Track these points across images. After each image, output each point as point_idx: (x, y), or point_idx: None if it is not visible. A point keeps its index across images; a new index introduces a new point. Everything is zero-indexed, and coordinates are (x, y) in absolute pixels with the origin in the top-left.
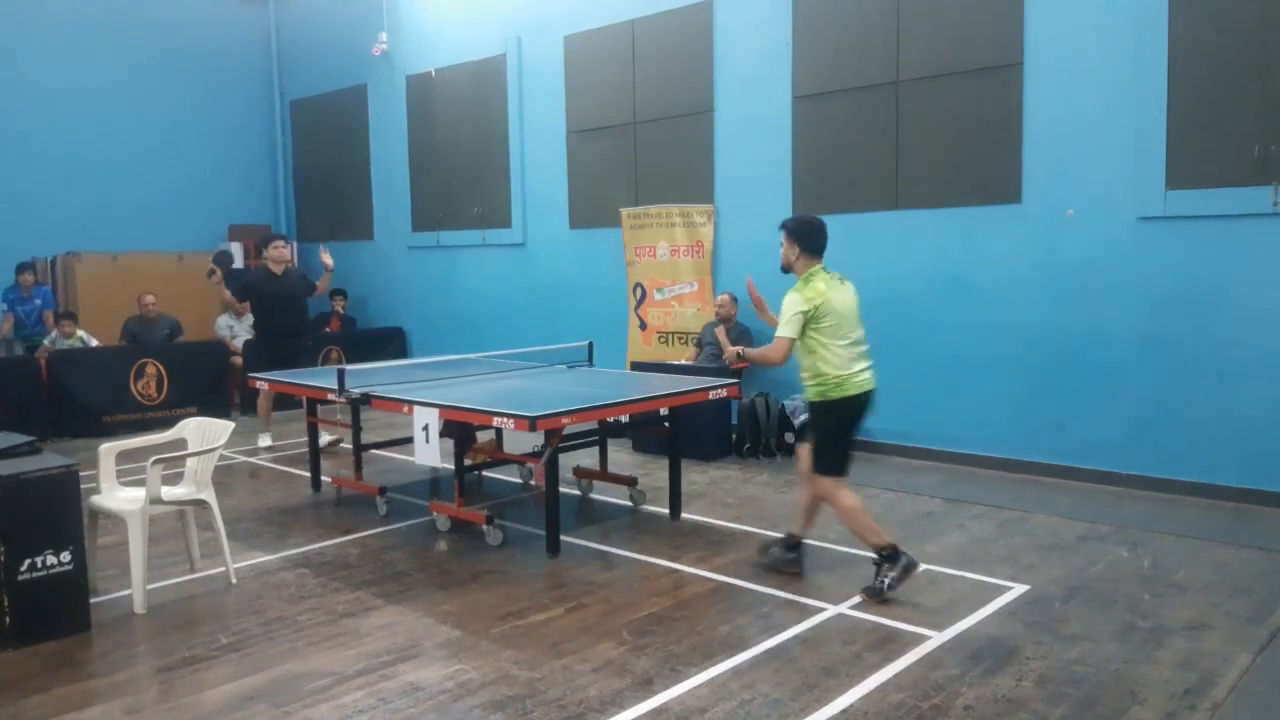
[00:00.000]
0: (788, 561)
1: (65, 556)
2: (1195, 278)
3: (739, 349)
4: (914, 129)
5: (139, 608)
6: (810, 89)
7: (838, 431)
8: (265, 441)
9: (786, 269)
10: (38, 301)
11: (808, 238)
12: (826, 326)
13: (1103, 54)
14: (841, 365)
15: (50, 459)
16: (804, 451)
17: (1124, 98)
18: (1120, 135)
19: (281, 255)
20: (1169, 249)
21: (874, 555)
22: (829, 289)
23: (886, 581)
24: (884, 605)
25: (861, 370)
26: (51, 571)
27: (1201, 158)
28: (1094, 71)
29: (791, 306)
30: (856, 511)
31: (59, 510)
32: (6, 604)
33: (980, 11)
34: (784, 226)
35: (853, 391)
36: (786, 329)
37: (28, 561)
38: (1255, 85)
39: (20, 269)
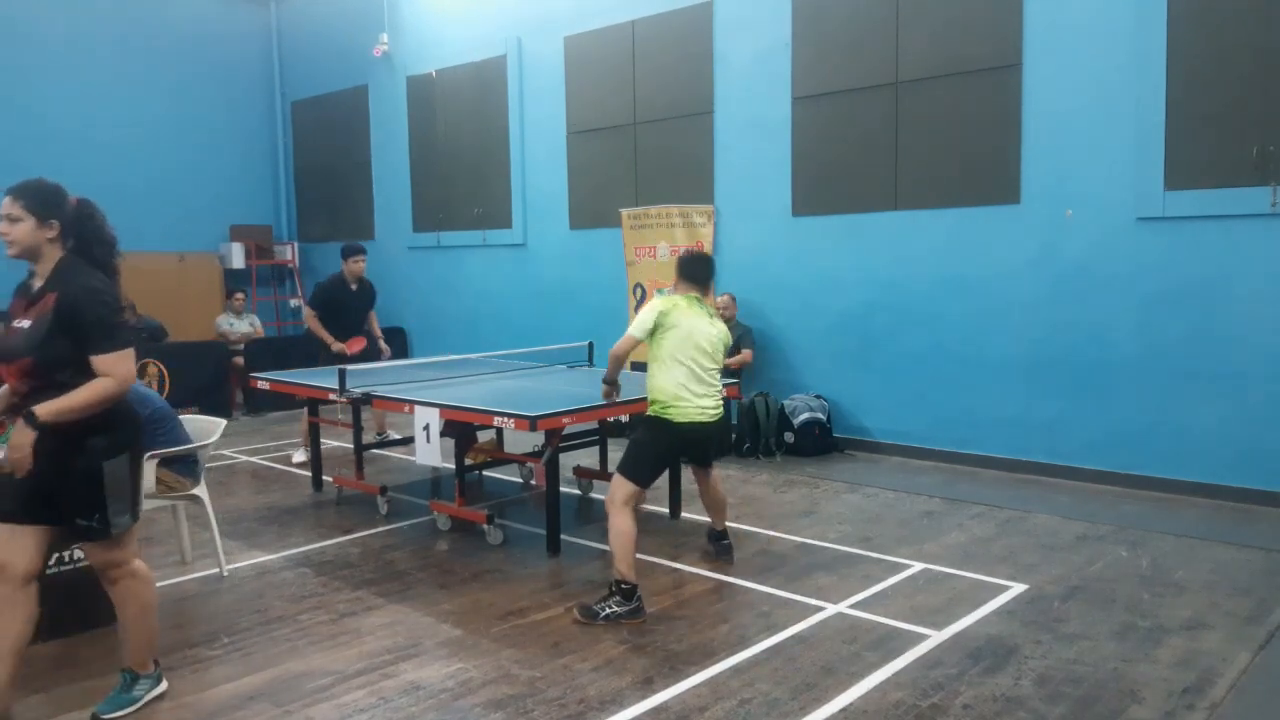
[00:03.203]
0: (719, 551)
1: None
2: (1194, 278)
3: (605, 377)
4: (914, 129)
5: None
6: (810, 89)
7: (650, 445)
8: (299, 457)
9: None
10: None
11: (684, 264)
12: (669, 341)
13: (1102, 54)
14: (673, 390)
15: None
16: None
17: (1123, 98)
18: (1119, 136)
19: (358, 270)
20: (1168, 249)
21: (613, 584)
22: (688, 308)
23: (607, 611)
24: (883, 605)
25: (694, 402)
26: (79, 566)
27: (1200, 158)
28: (1093, 72)
29: (645, 309)
30: (626, 536)
31: None
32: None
33: (979, 12)
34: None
35: (682, 419)
36: (633, 327)
37: (56, 556)
38: (1254, 85)
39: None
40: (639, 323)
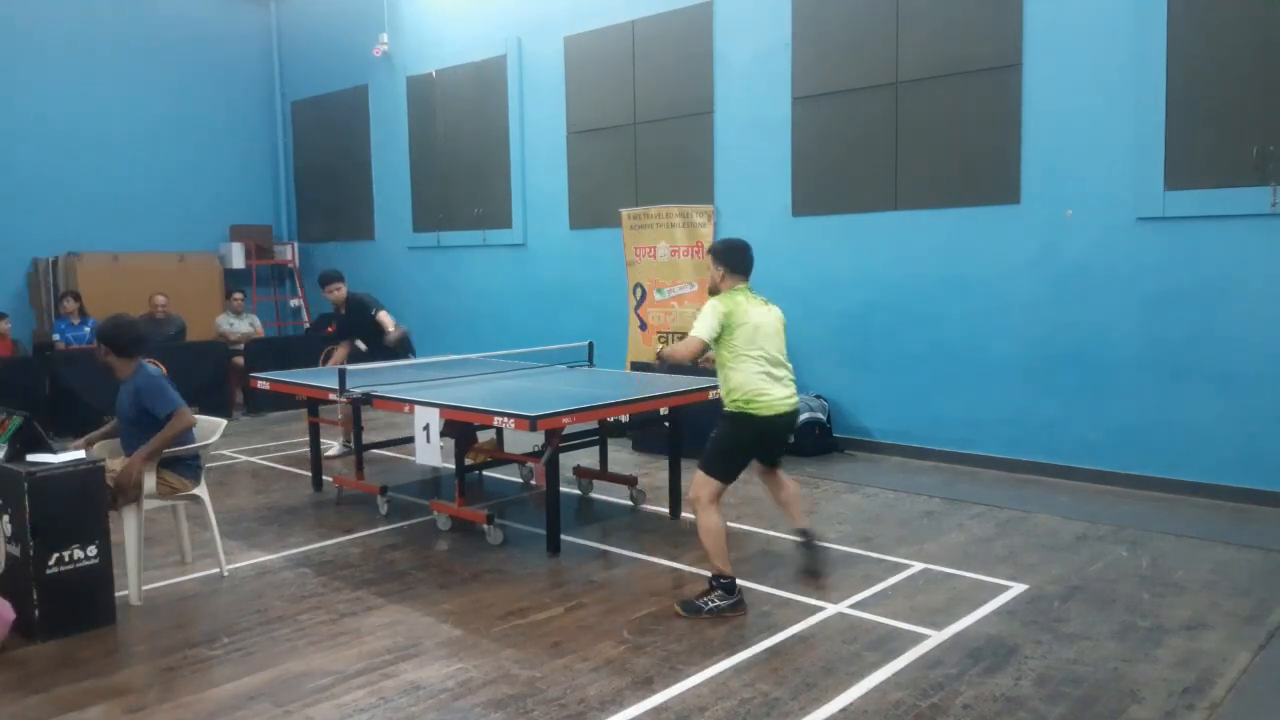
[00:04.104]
0: (809, 557)
1: (91, 551)
2: (1194, 278)
3: (660, 348)
4: (913, 129)
5: (135, 599)
6: (810, 89)
7: (734, 440)
8: (335, 450)
9: (713, 292)
10: (86, 329)
11: (729, 255)
12: (739, 339)
13: (1101, 54)
14: (754, 384)
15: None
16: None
17: (1123, 98)
18: (1119, 136)
19: (337, 297)
20: (1168, 249)
21: (712, 579)
22: (748, 303)
23: (711, 605)
24: (883, 605)
25: (775, 393)
26: (78, 565)
27: (1200, 158)
28: (1093, 72)
29: (707, 309)
30: (716, 532)
31: (86, 506)
32: (35, 597)
33: (979, 12)
34: (710, 250)
35: (763, 411)
36: (698, 328)
37: (55, 556)
38: (1254, 85)
39: (63, 296)
40: (704, 327)
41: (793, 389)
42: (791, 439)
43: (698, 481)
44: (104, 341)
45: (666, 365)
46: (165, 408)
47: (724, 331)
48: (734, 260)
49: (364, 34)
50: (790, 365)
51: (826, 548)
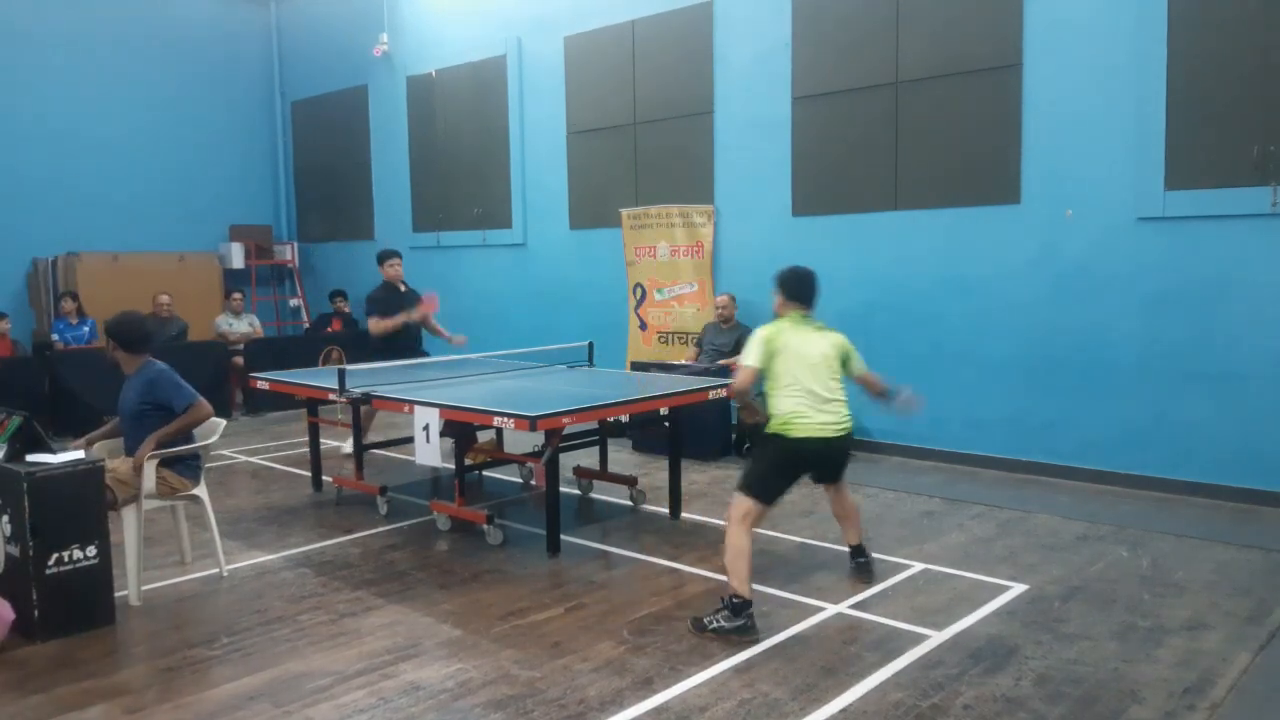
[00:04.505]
0: (858, 570)
1: (91, 551)
2: (1194, 278)
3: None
4: (914, 129)
5: (134, 600)
6: (810, 89)
7: (768, 461)
8: (348, 448)
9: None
10: (85, 329)
11: (787, 283)
12: (778, 366)
13: (1102, 54)
14: (791, 407)
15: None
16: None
17: (1123, 98)
18: (1119, 136)
19: (398, 273)
20: (1168, 249)
21: (725, 598)
22: (792, 329)
23: (714, 625)
24: (883, 605)
25: (814, 418)
26: (78, 565)
27: (1201, 158)
28: (1093, 72)
29: (751, 340)
30: (741, 553)
31: (85, 506)
32: (35, 598)
33: (979, 12)
34: (775, 276)
35: (801, 434)
36: (745, 357)
37: (55, 556)
38: (1255, 85)
39: (62, 297)
40: (750, 354)
41: (840, 415)
42: (843, 461)
43: (734, 500)
44: (112, 336)
45: (745, 407)
46: (185, 400)
47: (767, 358)
48: (792, 288)
49: (364, 34)
50: (841, 396)
51: (876, 559)
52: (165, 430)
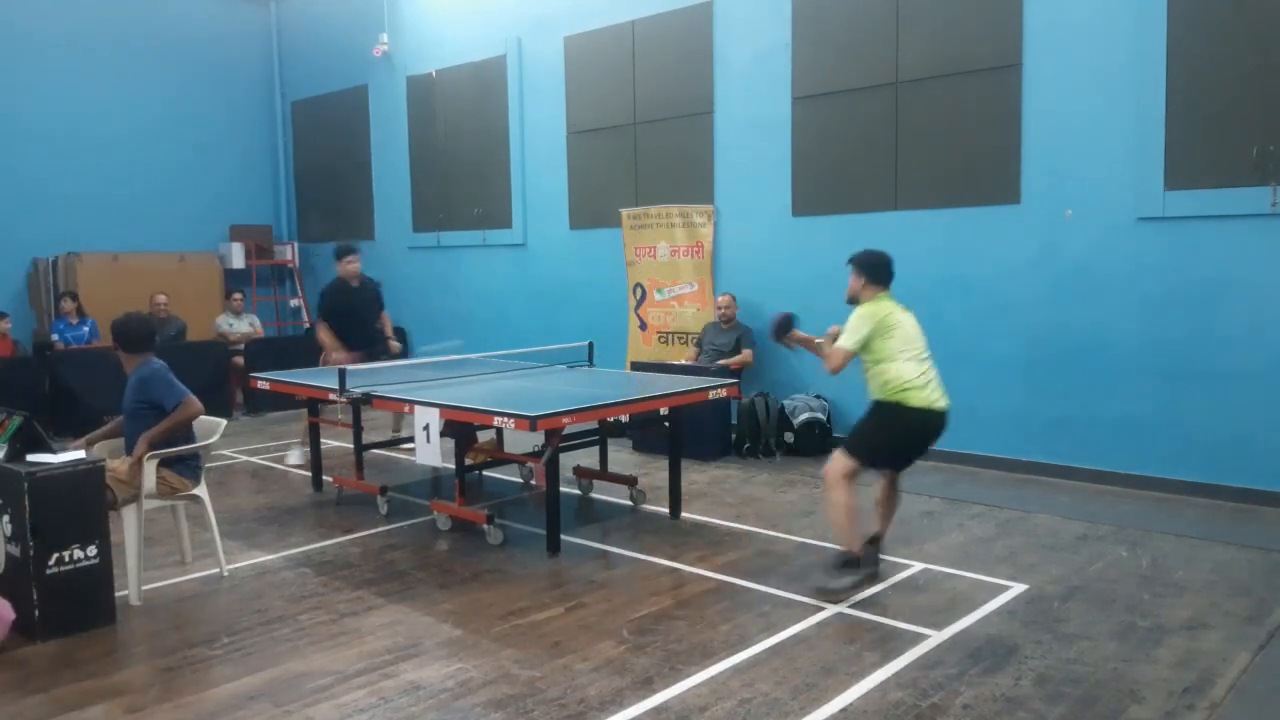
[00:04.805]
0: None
1: (91, 551)
2: (1194, 278)
3: (814, 339)
4: (913, 129)
5: (134, 599)
6: (810, 89)
7: (882, 427)
8: (294, 459)
9: (852, 301)
10: (84, 329)
11: (871, 266)
12: (895, 341)
13: (1102, 54)
14: (911, 376)
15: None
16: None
17: (1123, 98)
18: (1119, 136)
19: (354, 269)
20: (1168, 249)
21: (844, 554)
22: (895, 306)
23: (837, 583)
24: (883, 605)
25: (930, 391)
26: (79, 565)
27: (1200, 158)
28: (1093, 72)
29: (856, 320)
30: (841, 507)
31: (86, 506)
32: (35, 597)
33: (979, 12)
34: (851, 260)
35: (918, 403)
36: (846, 340)
37: (55, 556)
38: (1254, 85)
39: (61, 296)
40: (853, 336)
41: (943, 391)
42: (936, 440)
43: (833, 458)
44: (114, 337)
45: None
46: (175, 398)
47: (874, 337)
48: (876, 272)
49: (364, 34)
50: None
51: (886, 559)
52: (155, 430)
